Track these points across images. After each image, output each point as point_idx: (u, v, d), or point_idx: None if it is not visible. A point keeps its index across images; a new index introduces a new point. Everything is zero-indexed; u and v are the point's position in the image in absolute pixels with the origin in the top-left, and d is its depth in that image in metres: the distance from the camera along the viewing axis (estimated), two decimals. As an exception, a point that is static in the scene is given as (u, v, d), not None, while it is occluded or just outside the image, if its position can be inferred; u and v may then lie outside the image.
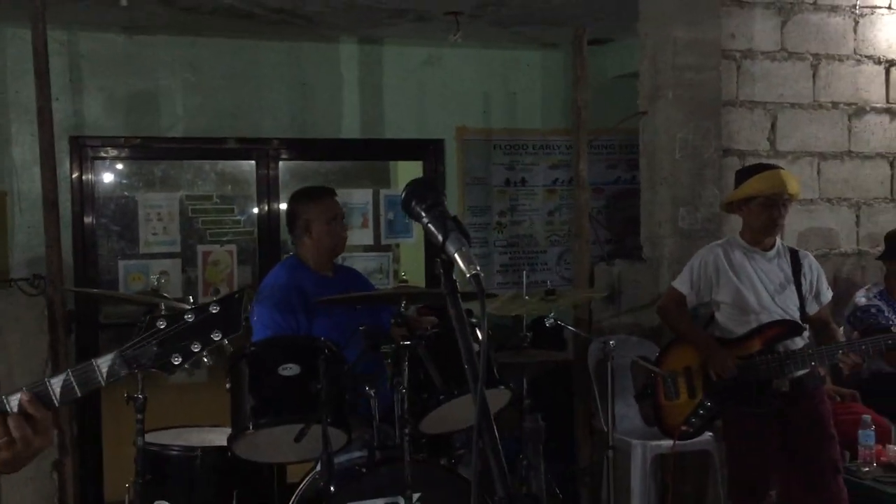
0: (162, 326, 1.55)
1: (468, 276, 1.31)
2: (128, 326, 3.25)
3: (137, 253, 5.75)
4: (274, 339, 3.31)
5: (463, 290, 1.43)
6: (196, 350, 1.56)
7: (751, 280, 3.64)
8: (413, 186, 1.47)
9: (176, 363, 1.56)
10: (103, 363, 1.55)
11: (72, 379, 1.55)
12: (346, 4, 5.06)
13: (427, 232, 1.42)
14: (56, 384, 1.55)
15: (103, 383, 1.55)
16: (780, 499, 3.80)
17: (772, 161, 4.61)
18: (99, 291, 3.32)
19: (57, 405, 1.56)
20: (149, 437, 3.38)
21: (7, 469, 1.59)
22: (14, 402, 1.55)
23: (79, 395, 1.56)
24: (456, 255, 1.33)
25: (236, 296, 1.59)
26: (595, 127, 5.42)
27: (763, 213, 3.60)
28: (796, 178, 3.82)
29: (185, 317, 1.56)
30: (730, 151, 4.67)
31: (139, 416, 3.16)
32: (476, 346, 3.22)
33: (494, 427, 1.23)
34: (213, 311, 1.56)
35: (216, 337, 1.56)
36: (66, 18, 5.22)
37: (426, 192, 1.44)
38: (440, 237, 1.38)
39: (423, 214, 1.42)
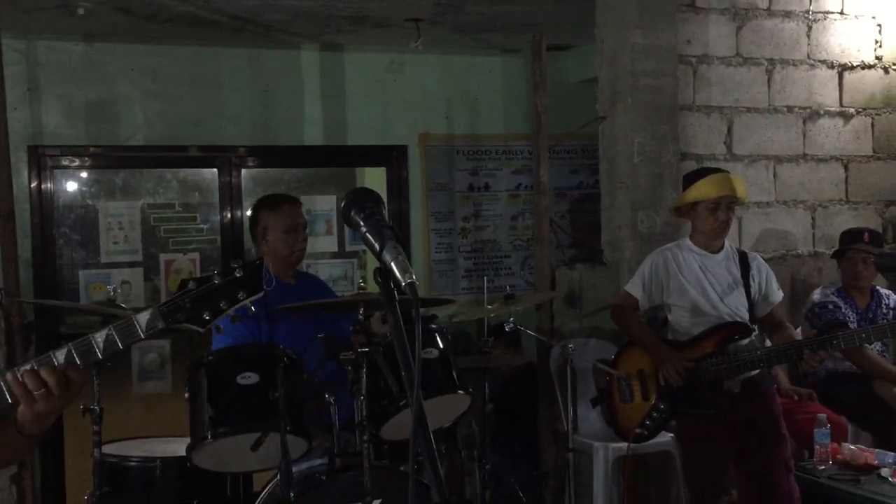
0: (192, 287, 1.73)
1: (403, 284, 1.33)
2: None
3: (98, 262, 5.71)
4: (232, 347, 3.30)
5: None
6: (224, 307, 1.74)
7: (700, 282, 3.69)
8: (352, 196, 1.48)
9: (206, 318, 1.74)
10: (142, 317, 1.71)
11: (113, 333, 1.70)
12: (306, 11, 5.06)
13: (364, 241, 1.43)
14: (99, 338, 1.71)
15: (143, 336, 1.71)
16: (739, 499, 3.86)
17: (728, 164, 4.69)
18: (51, 302, 3.30)
19: (101, 357, 1.70)
20: (109, 449, 3.36)
21: (35, 427, 1.72)
22: (61, 356, 1.69)
23: (120, 347, 1.71)
24: (392, 264, 1.35)
25: (257, 262, 1.79)
26: (557, 132, 5.47)
27: (710, 217, 3.65)
28: (742, 181, 3.87)
29: (214, 280, 1.74)
30: (687, 155, 4.73)
31: (95, 428, 3.14)
32: (435, 352, 3.24)
33: (430, 434, 1.24)
34: (238, 275, 1.75)
35: (241, 297, 1.75)
36: (24, 27, 5.17)
37: (365, 202, 1.45)
38: (377, 246, 1.39)
39: (361, 223, 1.44)
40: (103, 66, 5.67)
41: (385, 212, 1.47)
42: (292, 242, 3.65)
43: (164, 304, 1.72)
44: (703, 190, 3.64)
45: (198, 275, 5.91)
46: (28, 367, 1.68)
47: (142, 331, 1.70)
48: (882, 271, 3.10)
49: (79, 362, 1.69)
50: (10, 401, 1.69)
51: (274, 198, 3.86)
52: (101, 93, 5.68)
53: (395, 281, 1.34)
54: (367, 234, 1.41)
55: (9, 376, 1.68)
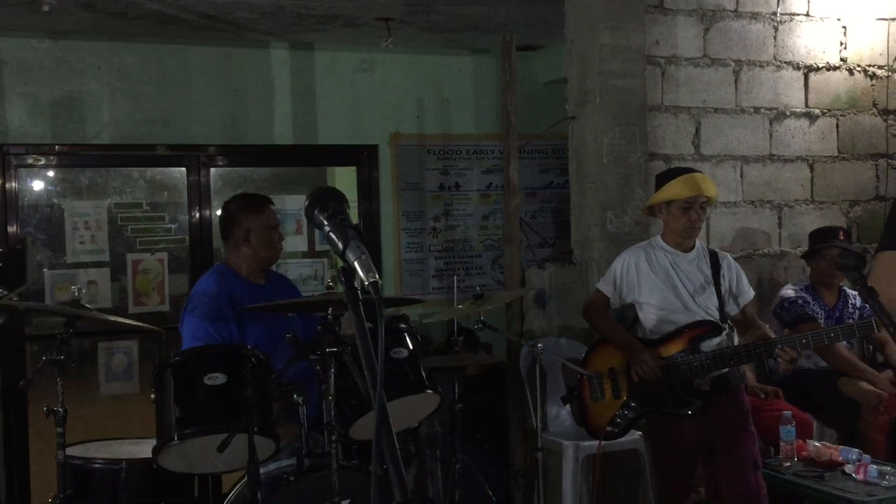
0: None
1: (367, 283, 1.33)
2: (54, 338, 3.20)
3: (64, 262, 5.64)
4: (199, 347, 3.28)
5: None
6: None
7: (672, 281, 3.71)
8: (315, 195, 1.48)
9: None
10: None
11: None
12: (276, 10, 5.04)
13: (328, 240, 1.42)
14: None
15: None
16: (707, 496, 3.89)
17: (696, 165, 4.72)
18: (13, 303, 3.25)
19: None
20: (74, 451, 3.31)
21: None
22: None
23: None
24: (356, 263, 1.35)
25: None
26: (528, 132, 5.49)
27: (682, 216, 3.67)
28: (713, 181, 3.90)
29: None
30: (656, 156, 4.76)
31: (59, 430, 3.10)
32: (405, 353, 3.24)
33: (393, 434, 1.24)
34: None
35: None
36: (-13, 23, 5.10)
37: (328, 201, 1.45)
38: (340, 245, 1.39)
39: (325, 223, 1.43)
40: (69, 63, 5.60)
41: (348, 211, 1.46)
42: (274, 242, 3.67)
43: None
44: (676, 190, 3.67)
45: (165, 276, 5.90)
46: None
47: None
48: (841, 269, 3.13)
49: None
50: None
51: (254, 198, 3.83)
52: (66, 91, 5.61)
53: (358, 280, 1.34)
54: (331, 234, 1.41)
55: None
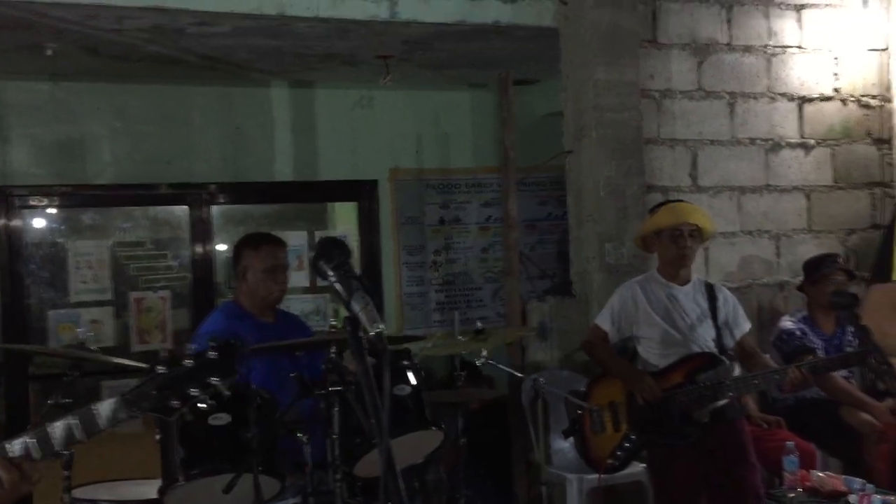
0: (161, 371, 1.58)
1: (371, 333, 1.36)
2: (58, 377, 3.22)
3: (68, 302, 5.67)
4: (204, 388, 3.29)
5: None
6: (194, 394, 1.60)
7: (669, 314, 3.74)
8: (320, 246, 1.52)
9: (174, 406, 1.59)
10: (104, 407, 1.58)
11: (72, 423, 1.58)
12: (275, 50, 5.11)
13: (334, 291, 1.46)
14: (58, 429, 1.58)
15: (103, 427, 1.59)
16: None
17: (694, 196, 4.77)
18: (19, 347, 3.28)
19: (58, 449, 1.58)
20: (79, 493, 3.31)
21: None
22: (17, 446, 1.57)
23: (79, 439, 1.59)
24: (360, 314, 1.38)
25: (233, 342, 1.64)
26: (526, 164, 5.54)
27: (671, 245, 3.72)
28: (705, 213, 3.94)
29: (185, 362, 1.60)
30: (653, 188, 4.81)
31: (66, 473, 3.11)
32: (408, 389, 3.24)
33: (399, 477, 1.27)
34: (212, 357, 1.61)
35: (214, 381, 1.61)
36: (-9, 67, 5.17)
37: (332, 252, 1.48)
38: (345, 296, 1.43)
39: (330, 273, 1.47)
40: (71, 105, 5.67)
41: (352, 261, 1.50)
42: (270, 284, 3.65)
43: (129, 392, 1.59)
44: (661, 218, 3.73)
45: (168, 314, 5.91)
46: None
47: (104, 422, 1.59)
48: (835, 308, 3.16)
49: (34, 456, 1.57)
50: None
51: (256, 237, 3.87)
52: (68, 132, 5.67)
53: (363, 330, 1.37)
54: (336, 284, 1.44)
55: None
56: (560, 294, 4.84)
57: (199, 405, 1.62)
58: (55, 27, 4.42)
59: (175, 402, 1.60)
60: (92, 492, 3.40)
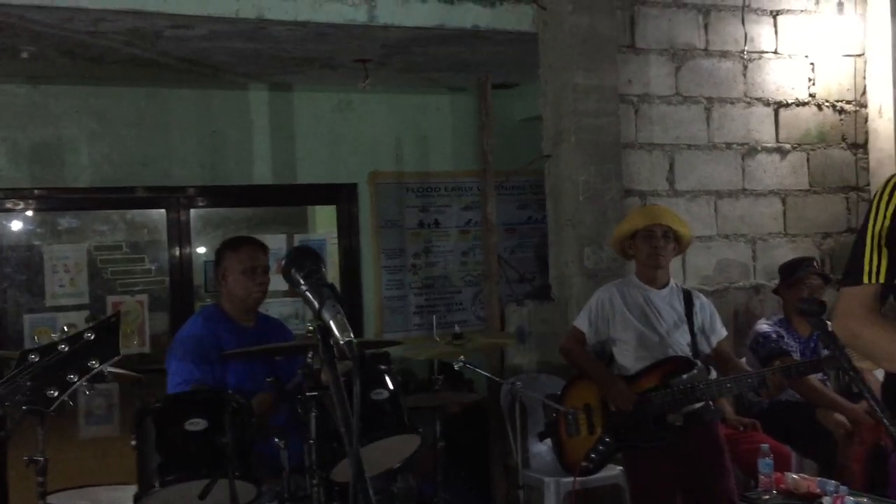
0: (35, 360, 1.45)
1: (342, 342, 1.36)
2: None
3: (44, 306, 5.63)
4: (180, 393, 3.29)
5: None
6: (73, 380, 1.48)
7: (646, 318, 3.77)
8: (292, 255, 1.52)
9: (53, 396, 1.46)
10: None
11: None
12: (254, 53, 5.10)
13: (304, 299, 1.46)
14: None
15: None
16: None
17: (671, 200, 4.81)
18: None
19: None
20: (54, 499, 3.29)
21: None
22: None
23: None
24: (331, 323, 1.38)
25: (112, 320, 1.50)
26: (505, 168, 5.56)
27: (645, 246, 3.76)
28: (679, 217, 3.97)
29: (59, 347, 1.47)
30: (631, 192, 4.84)
31: (40, 479, 3.08)
32: (386, 393, 3.25)
33: (368, 481, 1.27)
34: (89, 338, 1.49)
35: (93, 364, 1.49)
36: (-34, 70, 5.13)
37: (304, 261, 1.49)
38: (316, 304, 1.43)
39: (301, 282, 1.47)
40: (48, 108, 5.63)
41: (324, 270, 1.50)
42: (249, 284, 3.65)
43: None
44: (633, 221, 3.78)
45: (146, 317, 5.88)
46: None
47: None
48: (803, 314, 3.18)
49: None
50: None
51: (236, 239, 3.88)
52: (45, 135, 5.63)
53: (333, 339, 1.38)
54: (307, 293, 1.45)
55: None
56: (539, 298, 4.86)
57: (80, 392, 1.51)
58: (31, 30, 4.39)
59: (53, 391, 1.47)
60: (67, 498, 3.38)
